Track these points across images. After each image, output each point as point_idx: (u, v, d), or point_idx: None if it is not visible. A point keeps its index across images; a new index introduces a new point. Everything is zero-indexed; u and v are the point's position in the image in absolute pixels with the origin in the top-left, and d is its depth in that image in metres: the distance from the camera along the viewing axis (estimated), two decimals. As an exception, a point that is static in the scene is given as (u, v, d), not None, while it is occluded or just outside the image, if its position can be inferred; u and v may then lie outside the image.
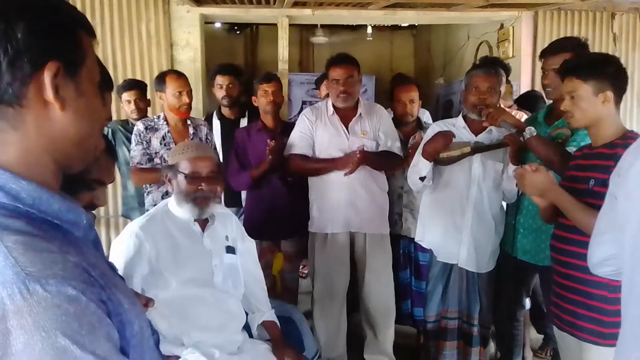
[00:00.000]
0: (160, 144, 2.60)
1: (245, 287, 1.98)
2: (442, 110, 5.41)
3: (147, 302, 1.33)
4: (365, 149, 2.43)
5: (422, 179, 2.30)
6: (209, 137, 2.76)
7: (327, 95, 3.18)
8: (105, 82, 1.17)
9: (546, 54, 2.18)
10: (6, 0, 0.56)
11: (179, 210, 1.83)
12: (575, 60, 1.70)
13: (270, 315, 1.98)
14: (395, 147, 2.59)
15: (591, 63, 1.63)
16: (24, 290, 0.49)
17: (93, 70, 0.65)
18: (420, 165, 2.29)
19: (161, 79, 2.63)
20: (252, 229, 2.28)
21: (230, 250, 1.93)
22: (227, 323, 1.83)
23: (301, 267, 3.08)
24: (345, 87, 2.49)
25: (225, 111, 3.19)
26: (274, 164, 2.56)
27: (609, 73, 1.58)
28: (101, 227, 3.70)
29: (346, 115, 2.56)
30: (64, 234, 0.59)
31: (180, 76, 2.64)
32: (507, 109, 2.58)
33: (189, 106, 2.64)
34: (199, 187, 1.79)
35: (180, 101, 2.58)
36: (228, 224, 1.99)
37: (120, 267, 1.64)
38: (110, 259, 1.66)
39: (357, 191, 2.51)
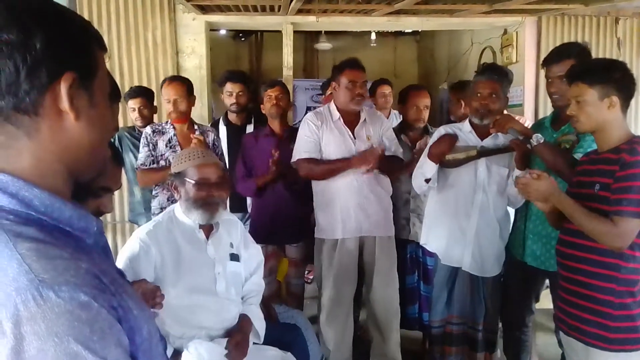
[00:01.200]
0: (166, 146, 2.66)
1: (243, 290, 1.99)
2: (445, 115, 5.41)
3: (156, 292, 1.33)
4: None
5: (427, 181, 2.31)
6: (216, 143, 2.78)
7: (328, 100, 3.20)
8: (113, 93, 1.19)
9: (549, 61, 2.18)
10: (25, 12, 0.57)
11: (187, 217, 1.84)
12: (582, 66, 1.71)
13: (245, 309, 1.92)
14: (399, 152, 2.61)
15: (597, 68, 1.64)
16: (37, 296, 0.50)
17: (104, 82, 0.67)
18: (425, 167, 2.30)
19: (161, 86, 2.71)
20: (257, 234, 2.29)
21: (235, 257, 1.94)
22: (229, 329, 1.84)
23: (306, 272, 3.08)
24: (362, 90, 2.51)
25: (232, 117, 3.22)
26: (278, 175, 2.58)
27: (615, 78, 1.58)
28: (108, 233, 3.71)
29: (351, 121, 2.57)
30: (75, 241, 0.61)
31: (171, 83, 2.67)
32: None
33: (180, 113, 2.65)
34: (209, 194, 1.80)
35: (170, 108, 2.62)
36: (233, 230, 2.00)
37: (128, 272, 1.66)
38: (118, 265, 1.68)
39: (366, 195, 2.51)
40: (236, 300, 1.91)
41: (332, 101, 2.64)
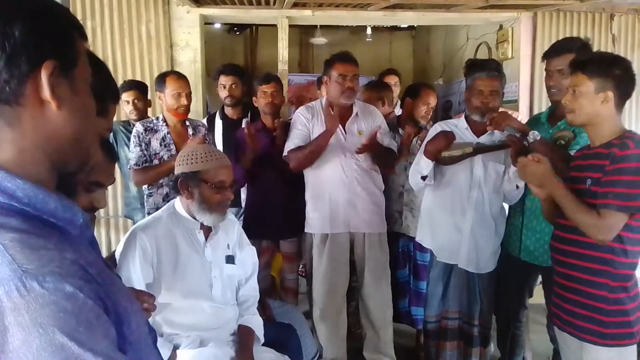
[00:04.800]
0: (160, 145, 2.59)
1: (238, 292, 1.96)
2: (441, 111, 5.41)
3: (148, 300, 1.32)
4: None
5: (423, 178, 2.31)
6: (207, 139, 2.76)
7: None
8: (111, 94, 1.17)
9: (549, 55, 2.18)
10: (3, 0, 0.56)
11: (195, 217, 1.77)
12: (586, 57, 1.69)
13: (247, 320, 1.89)
14: (392, 145, 2.61)
15: (600, 61, 1.62)
16: (21, 287, 0.49)
17: (85, 70, 0.66)
18: (422, 164, 2.29)
19: (161, 79, 2.62)
20: (251, 229, 2.27)
21: (230, 260, 1.90)
22: (223, 328, 1.82)
23: (301, 266, 3.08)
24: (353, 84, 2.49)
25: (228, 111, 3.20)
26: (257, 151, 2.54)
27: (614, 74, 1.56)
28: (102, 228, 3.69)
29: (342, 115, 2.54)
30: (60, 232, 0.60)
31: (180, 77, 2.63)
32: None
33: (187, 108, 2.61)
34: (225, 197, 1.76)
35: (179, 102, 2.56)
36: (230, 230, 1.95)
37: (125, 270, 1.64)
38: (118, 262, 1.66)
39: (356, 191, 2.51)
40: (232, 303, 1.89)
41: (325, 95, 2.63)
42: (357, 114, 2.57)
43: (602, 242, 1.54)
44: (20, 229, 0.54)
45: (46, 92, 0.58)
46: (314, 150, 2.46)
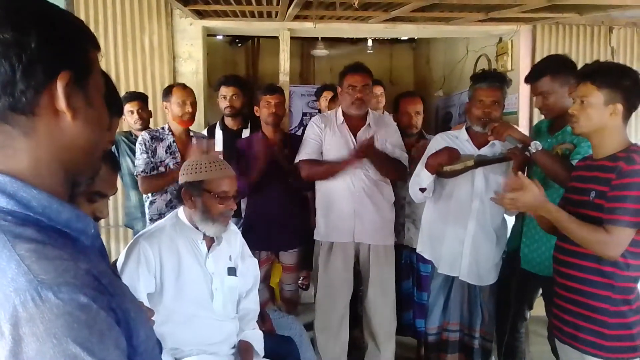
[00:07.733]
0: (166, 152, 2.66)
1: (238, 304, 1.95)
2: (441, 123, 5.44)
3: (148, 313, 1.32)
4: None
5: (422, 190, 2.31)
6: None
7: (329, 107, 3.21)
8: (116, 108, 1.19)
9: (530, 80, 2.19)
10: (18, 11, 0.57)
11: (198, 227, 1.77)
12: (595, 66, 1.67)
13: (247, 335, 1.88)
14: (403, 157, 2.61)
15: (609, 72, 1.61)
16: (36, 297, 0.50)
17: (99, 81, 0.66)
18: (422, 176, 2.29)
19: (168, 90, 2.76)
20: (251, 240, 2.27)
21: (232, 272, 1.89)
22: (224, 342, 1.81)
23: (301, 278, 3.07)
24: (361, 94, 2.51)
25: (228, 122, 3.22)
26: (266, 162, 2.56)
27: (624, 86, 1.55)
28: (102, 238, 3.68)
29: (355, 125, 2.57)
30: (73, 242, 0.60)
31: (186, 88, 2.76)
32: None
33: (191, 116, 2.72)
34: (228, 207, 1.76)
35: (183, 110, 2.67)
36: (233, 242, 1.95)
37: (127, 279, 1.64)
38: (119, 271, 1.66)
39: (363, 202, 2.52)
40: (232, 316, 1.87)
41: (323, 108, 2.67)
42: (369, 124, 2.58)
43: (611, 259, 1.53)
44: (35, 239, 0.55)
45: (62, 103, 0.59)
46: (329, 171, 2.51)
